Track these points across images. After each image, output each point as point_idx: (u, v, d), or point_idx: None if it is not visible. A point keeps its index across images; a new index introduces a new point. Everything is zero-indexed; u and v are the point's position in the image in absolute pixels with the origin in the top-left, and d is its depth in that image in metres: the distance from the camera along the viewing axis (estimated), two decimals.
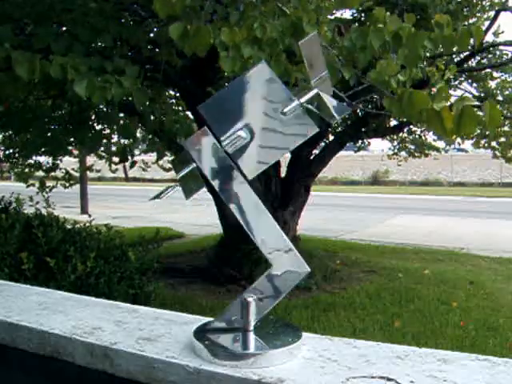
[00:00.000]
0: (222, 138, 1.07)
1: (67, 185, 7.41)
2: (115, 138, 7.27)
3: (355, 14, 5.79)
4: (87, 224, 4.22)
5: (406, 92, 2.61)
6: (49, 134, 6.29)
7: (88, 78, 2.94)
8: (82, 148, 7.39)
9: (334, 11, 3.74)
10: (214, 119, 1.09)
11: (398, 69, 2.82)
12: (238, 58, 2.55)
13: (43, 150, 6.82)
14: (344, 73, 2.83)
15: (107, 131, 6.87)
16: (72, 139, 6.72)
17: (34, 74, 2.88)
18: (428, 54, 3.87)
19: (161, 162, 7.10)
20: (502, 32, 6.20)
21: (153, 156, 7.43)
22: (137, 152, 7.34)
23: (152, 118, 5.61)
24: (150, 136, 7.05)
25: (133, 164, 6.59)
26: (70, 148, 7.35)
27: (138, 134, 6.83)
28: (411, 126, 7.94)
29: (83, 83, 2.90)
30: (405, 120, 7.17)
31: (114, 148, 7.37)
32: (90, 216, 4.30)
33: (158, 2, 2.41)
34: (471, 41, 3.02)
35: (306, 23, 2.67)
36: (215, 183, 1.09)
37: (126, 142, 6.92)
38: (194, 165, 1.08)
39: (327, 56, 2.80)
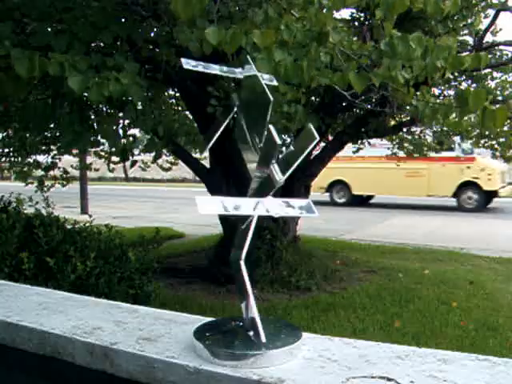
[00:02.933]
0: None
1: (65, 183, 7.41)
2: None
3: (354, 14, 5.79)
4: (87, 224, 4.21)
5: (468, 91, 2.75)
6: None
7: (84, 75, 2.91)
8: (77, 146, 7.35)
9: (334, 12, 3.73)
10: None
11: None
12: (270, 60, 2.53)
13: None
14: (374, 79, 2.84)
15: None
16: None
17: (33, 71, 2.86)
18: None
19: (160, 162, 7.07)
20: (500, 29, 6.20)
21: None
22: (136, 152, 7.31)
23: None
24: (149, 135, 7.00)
25: (133, 163, 6.56)
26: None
27: (138, 134, 6.80)
28: (412, 126, 7.93)
29: (78, 79, 2.87)
30: (405, 120, 7.17)
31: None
32: (90, 216, 4.28)
33: (179, 4, 2.32)
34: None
35: (332, 30, 2.68)
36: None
37: (126, 141, 6.89)
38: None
39: (353, 65, 2.83)
